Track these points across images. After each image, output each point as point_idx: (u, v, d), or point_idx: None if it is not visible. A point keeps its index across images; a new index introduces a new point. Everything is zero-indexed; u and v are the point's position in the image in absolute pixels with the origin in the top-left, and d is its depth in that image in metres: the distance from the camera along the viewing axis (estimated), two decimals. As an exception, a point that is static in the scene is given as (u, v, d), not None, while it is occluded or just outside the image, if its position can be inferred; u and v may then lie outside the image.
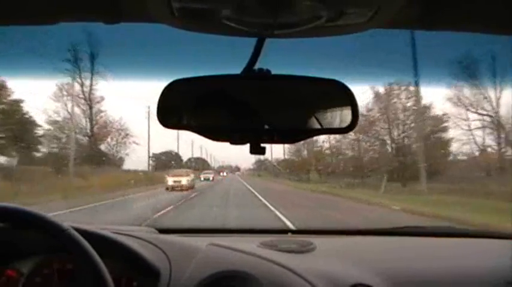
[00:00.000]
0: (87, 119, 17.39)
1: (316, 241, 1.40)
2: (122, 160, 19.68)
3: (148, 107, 17.41)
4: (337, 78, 0.84)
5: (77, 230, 0.95)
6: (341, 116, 0.85)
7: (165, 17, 0.75)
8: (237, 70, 0.84)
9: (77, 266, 0.92)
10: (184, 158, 27.42)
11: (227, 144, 0.86)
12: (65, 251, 0.97)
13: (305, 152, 21.20)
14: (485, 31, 0.88)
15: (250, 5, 0.71)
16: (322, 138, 18.54)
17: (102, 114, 17.98)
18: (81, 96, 16.89)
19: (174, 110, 0.85)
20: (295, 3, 0.70)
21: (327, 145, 19.22)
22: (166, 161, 24.80)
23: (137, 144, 19.37)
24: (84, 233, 0.95)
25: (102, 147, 18.78)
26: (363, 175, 15.96)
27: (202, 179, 22.88)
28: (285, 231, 1.69)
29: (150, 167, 22.05)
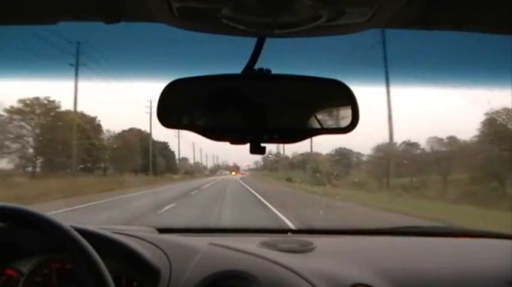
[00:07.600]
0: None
1: (316, 240, 1.40)
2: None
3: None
4: (337, 78, 0.84)
5: (77, 230, 0.95)
6: (342, 116, 0.85)
7: (165, 17, 0.75)
8: (237, 70, 0.84)
9: (77, 266, 0.92)
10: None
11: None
12: (65, 251, 0.97)
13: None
14: (485, 31, 0.87)
15: (250, 5, 0.71)
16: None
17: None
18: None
19: (174, 110, 0.86)
20: (295, 2, 0.70)
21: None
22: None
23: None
24: (84, 233, 0.95)
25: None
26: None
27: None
28: (285, 231, 1.68)
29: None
